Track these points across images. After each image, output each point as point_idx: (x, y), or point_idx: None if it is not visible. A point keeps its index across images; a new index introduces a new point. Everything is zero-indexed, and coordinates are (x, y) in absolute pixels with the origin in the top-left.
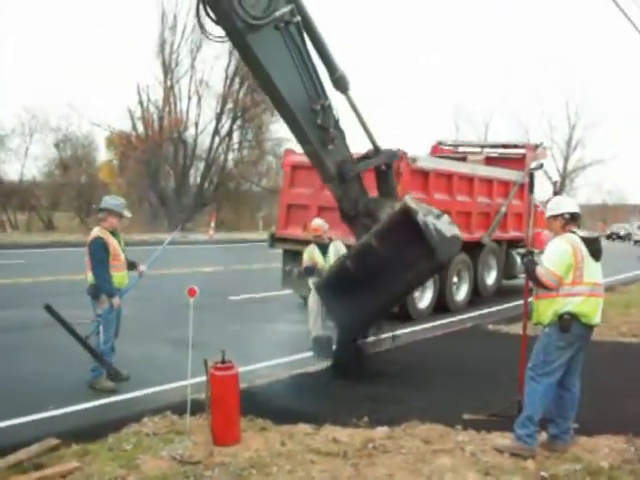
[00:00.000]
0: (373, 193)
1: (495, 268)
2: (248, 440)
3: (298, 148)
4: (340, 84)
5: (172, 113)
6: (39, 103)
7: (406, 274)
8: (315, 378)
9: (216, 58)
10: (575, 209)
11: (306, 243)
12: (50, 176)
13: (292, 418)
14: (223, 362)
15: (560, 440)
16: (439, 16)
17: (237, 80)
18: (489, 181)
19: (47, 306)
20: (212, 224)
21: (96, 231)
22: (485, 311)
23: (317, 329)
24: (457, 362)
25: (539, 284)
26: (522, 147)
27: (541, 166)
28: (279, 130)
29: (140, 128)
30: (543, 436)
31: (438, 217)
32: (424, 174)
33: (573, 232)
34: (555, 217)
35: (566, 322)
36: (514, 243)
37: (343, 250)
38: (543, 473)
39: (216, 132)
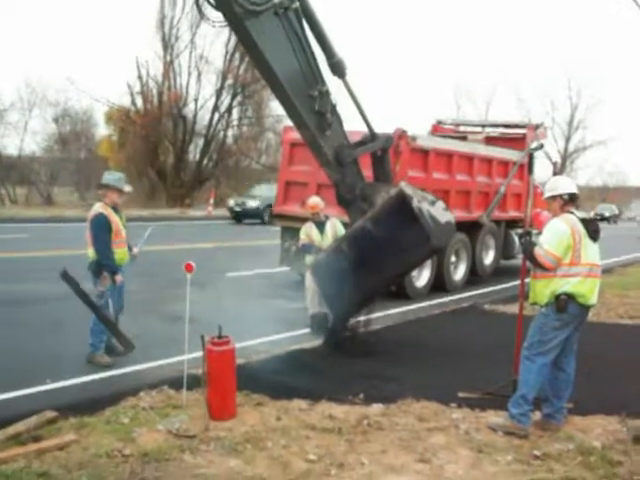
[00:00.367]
0: (368, 174)
1: (493, 248)
2: (244, 415)
3: None
4: (337, 69)
5: (172, 88)
6: (38, 77)
7: (400, 258)
8: (312, 355)
9: (216, 34)
10: (574, 190)
11: (304, 220)
12: (49, 151)
13: (288, 394)
14: (220, 337)
15: (553, 419)
16: None
17: (237, 56)
18: (489, 161)
19: (64, 273)
20: (211, 200)
21: (98, 207)
22: (482, 291)
23: (314, 306)
24: (453, 341)
25: (537, 264)
26: (523, 127)
27: (541, 146)
28: (279, 107)
29: (139, 103)
30: (537, 415)
31: (433, 203)
32: (424, 153)
33: (571, 213)
34: (554, 198)
35: (563, 302)
36: (513, 223)
37: (340, 227)
38: (536, 452)
39: (216, 108)
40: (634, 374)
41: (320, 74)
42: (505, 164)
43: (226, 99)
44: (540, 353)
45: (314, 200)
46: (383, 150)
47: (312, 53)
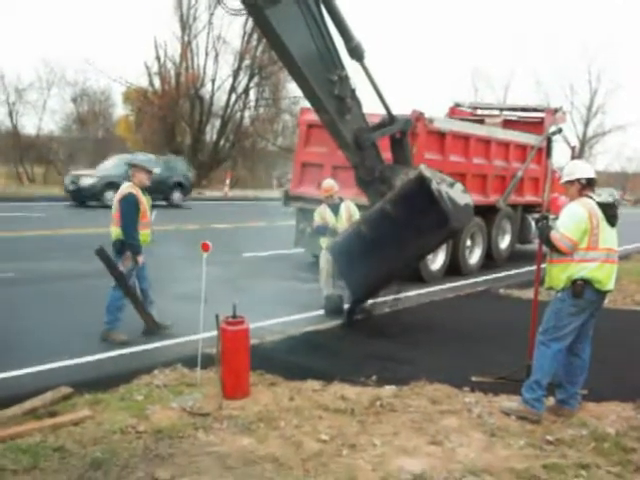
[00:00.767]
0: (387, 157)
1: (509, 232)
2: (257, 394)
3: None
4: (356, 53)
5: (189, 69)
6: (57, 57)
7: (419, 240)
8: (326, 336)
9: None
10: (592, 174)
11: (320, 202)
12: (67, 130)
13: (301, 374)
14: (234, 317)
15: (567, 405)
16: None
17: (255, 37)
18: (506, 144)
19: (99, 250)
20: (227, 181)
21: (127, 187)
22: (497, 275)
23: (328, 288)
24: (467, 325)
25: (553, 248)
26: (541, 111)
27: (560, 131)
28: (296, 89)
29: (157, 84)
30: (550, 401)
31: (451, 185)
32: (441, 135)
33: (589, 197)
34: (572, 182)
35: (579, 287)
36: (530, 208)
37: (354, 210)
38: (549, 437)
39: (233, 89)
40: None
41: (339, 59)
42: (523, 148)
43: (243, 80)
44: (555, 339)
45: (328, 183)
46: (402, 133)
47: (331, 38)
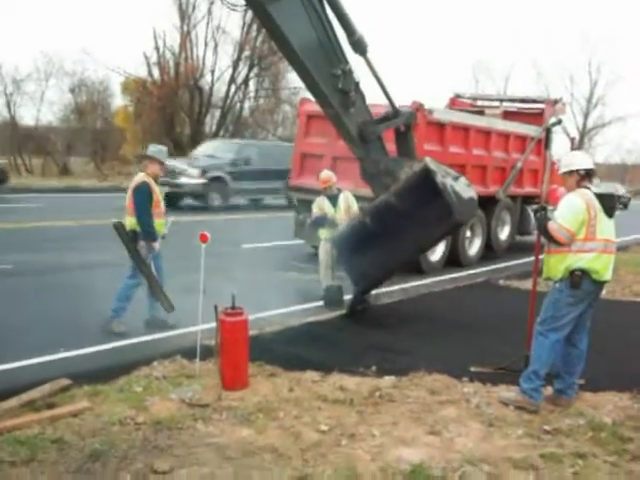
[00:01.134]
0: (391, 148)
1: (509, 224)
2: (256, 385)
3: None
4: (358, 47)
5: (188, 59)
6: (55, 48)
7: (422, 233)
8: (325, 327)
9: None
10: (590, 165)
11: (320, 192)
12: (66, 121)
13: (301, 365)
14: (233, 308)
15: (565, 395)
16: None
17: (254, 27)
18: (506, 136)
19: (117, 224)
20: None
21: (141, 177)
22: (497, 266)
23: (328, 279)
24: (467, 316)
25: (551, 239)
26: (541, 102)
27: (559, 122)
28: (296, 79)
29: (156, 74)
30: (548, 391)
31: (456, 179)
32: (440, 126)
33: (587, 188)
34: (570, 173)
35: (577, 278)
36: (529, 199)
37: (353, 200)
38: (546, 427)
39: (232, 80)
40: None
41: (342, 53)
42: (522, 139)
43: (243, 71)
44: (553, 329)
45: (326, 174)
46: (406, 126)
47: (333, 32)
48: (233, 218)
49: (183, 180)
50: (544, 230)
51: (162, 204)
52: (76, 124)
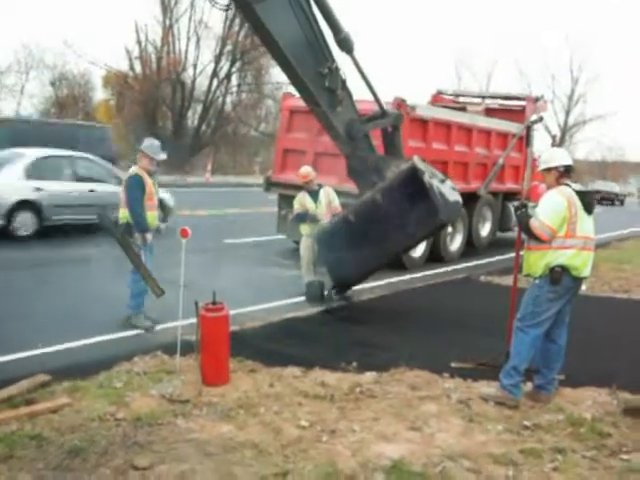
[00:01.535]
0: (377, 143)
1: (490, 220)
2: (237, 381)
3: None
4: (345, 45)
5: (170, 53)
6: (36, 40)
7: (406, 231)
8: (306, 322)
9: None
10: (569, 162)
11: (302, 188)
12: (46, 114)
13: (282, 361)
14: (214, 304)
15: (544, 390)
16: None
17: (237, 22)
18: (488, 132)
19: (101, 215)
20: (209, 167)
21: (133, 169)
22: (478, 262)
23: (309, 274)
24: (448, 312)
25: (532, 236)
26: (523, 99)
27: (541, 119)
28: (279, 74)
29: (138, 68)
30: (528, 386)
31: (442, 181)
32: (423, 123)
33: (567, 185)
34: (549, 170)
35: (557, 274)
36: (510, 195)
37: (334, 196)
38: (526, 422)
39: (215, 74)
40: (626, 347)
41: (329, 51)
42: (504, 136)
43: (225, 65)
44: (533, 325)
45: (305, 169)
46: (394, 127)
47: (320, 30)
48: (215, 214)
49: None
50: (525, 227)
51: (155, 197)
52: (57, 118)
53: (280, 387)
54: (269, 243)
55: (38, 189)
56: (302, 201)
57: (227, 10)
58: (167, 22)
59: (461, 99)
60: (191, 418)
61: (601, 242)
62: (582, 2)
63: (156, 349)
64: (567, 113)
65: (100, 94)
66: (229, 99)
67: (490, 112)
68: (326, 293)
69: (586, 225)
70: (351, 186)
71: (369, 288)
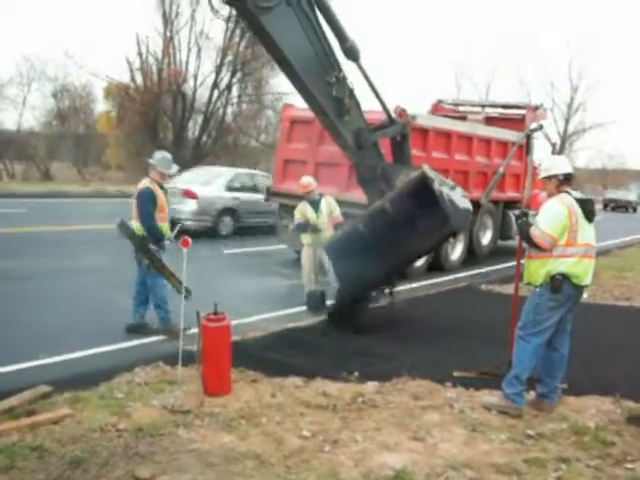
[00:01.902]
0: (385, 152)
1: (491, 228)
2: (239, 391)
3: (297, 103)
4: (351, 54)
5: (171, 65)
6: (38, 52)
7: (416, 240)
8: (308, 332)
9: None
10: (569, 169)
11: (302, 198)
12: (48, 126)
13: (283, 371)
14: (215, 314)
15: (547, 399)
16: None
17: (237, 32)
18: (488, 141)
19: (121, 223)
20: None
21: (145, 182)
22: (479, 271)
23: (311, 284)
24: (449, 321)
25: (533, 245)
26: (522, 108)
27: (541, 127)
28: (279, 84)
29: (139, 79)
30: (531, 395)
31: (452, 189)
32: (423, 132)
33: (567, 193)
34: (549, 178)
35: (558, 282)
36: (511, 204)
37: (335, 205)
38: (529, 431)
39: (215, 85)
40: (629, 355)
41: (335, 60)
42: (504, 144)
43: (226, 76)
44: (535, 333)
45: (306, 179)
46: (402, 136)
47: (326, 40)
48: None
49: None
50: (526, 236)
51: (166, 209)
52: (58, 129)
53: (282, 397)
54: (270, 253)
55: (235, 199)
56: (303, 211)
57: (228, 20)
58: (168, 34)
59: (461, 108)
60: (193, 428)
61: (602, 250)
62: (582, 9)
63: (157, 359)
64: (567, 121)
65: (101, 105)
66: (230, 110)
67: (490, 121)
68: (328, 303)
69: (587, 233)
70: (351, 195)
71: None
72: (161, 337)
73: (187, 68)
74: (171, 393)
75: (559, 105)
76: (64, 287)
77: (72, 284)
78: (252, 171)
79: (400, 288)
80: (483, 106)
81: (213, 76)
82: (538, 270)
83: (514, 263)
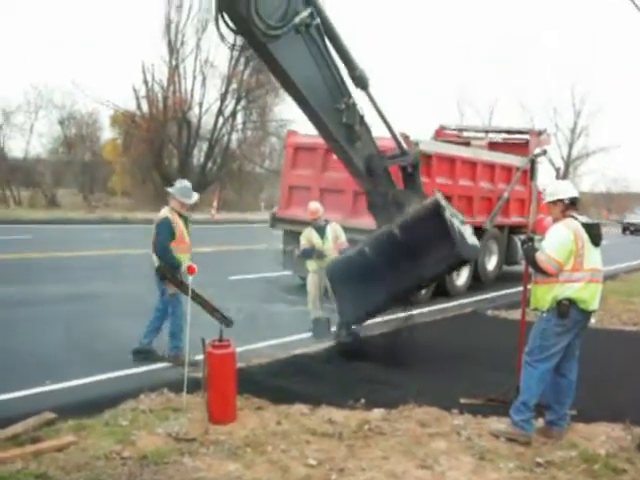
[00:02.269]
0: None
1: (496, 253)
2: (244, 419)
3: (301, 129)
4: (360, 81)
5: (177, 93)
6: (45, 80)
7: (424, 267)
8: (313, 359)
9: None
10: (574, 194)
11: (307, 224)
12: (54, 153)
13: (289, 398)
14: (220, 340)
15: (556, 426)
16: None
17: (242, 60)
18: (492, 166)
19: (159, 267)
20: (215, 204)
21: (165, 211)
22: (485, 296)
23: (316, 310)
24: (455, 347)
25: (539, 270)
26: (526, 133)
27: (545, 152)
28: (283, 111)
29: (144, 107)
30: (540, 422)
31: (462, 223)
32: (427, 158)
33: (573, 217)
34: (555, 202)
35: (564, 307)
36: (516, 229)
37: (340, 231)
38: (539, 459)
39: (220, 112)
40: (637, 381)
41: (345, 87)
42: (508, 170)
43: (230, 103)
44: (542, 359)
45: (314, 206)
46: (414, 166)
47: (336, 67)
48: (219, 250)
49: None
50: (532, 261)
51: (187, 239)
52: (65, 156)
53: (287, 425)
54: (274, 279)
55: None
56: (309, 237)
57: (234, 48)
58: (173, 62)
59: (464, 134)
60: (198, 457)
61: (609, 274)
62: (584, 34)
63: (162, 386)
64: (570, 146)
65: (108, 133)
66: (234, 137)
67: (493, 146)
68: (334, 329)
69: (593, 257)
70: (356, 221)
71: (375, 324)
72: (166, 364)
73: (192, 96)
74: (176, 421)
75: (562, 130)
76: (66, 313)
77: (76, 310)
78: None
79: (405, 314)
80: (486, 131)
81: (218, 103)
82: (545, 295)
83: (520, 288)
